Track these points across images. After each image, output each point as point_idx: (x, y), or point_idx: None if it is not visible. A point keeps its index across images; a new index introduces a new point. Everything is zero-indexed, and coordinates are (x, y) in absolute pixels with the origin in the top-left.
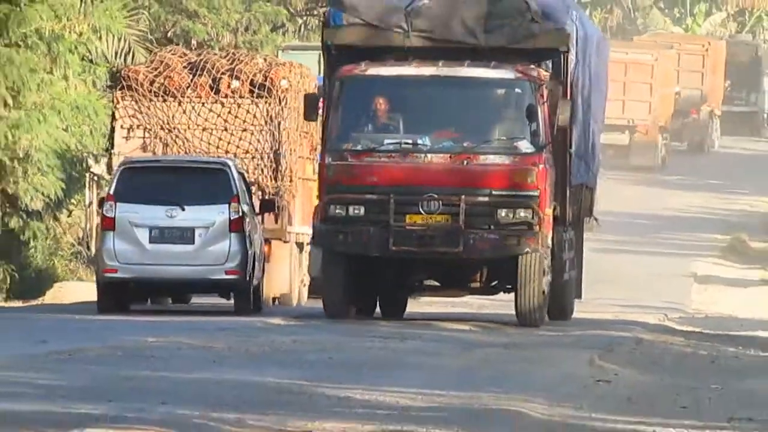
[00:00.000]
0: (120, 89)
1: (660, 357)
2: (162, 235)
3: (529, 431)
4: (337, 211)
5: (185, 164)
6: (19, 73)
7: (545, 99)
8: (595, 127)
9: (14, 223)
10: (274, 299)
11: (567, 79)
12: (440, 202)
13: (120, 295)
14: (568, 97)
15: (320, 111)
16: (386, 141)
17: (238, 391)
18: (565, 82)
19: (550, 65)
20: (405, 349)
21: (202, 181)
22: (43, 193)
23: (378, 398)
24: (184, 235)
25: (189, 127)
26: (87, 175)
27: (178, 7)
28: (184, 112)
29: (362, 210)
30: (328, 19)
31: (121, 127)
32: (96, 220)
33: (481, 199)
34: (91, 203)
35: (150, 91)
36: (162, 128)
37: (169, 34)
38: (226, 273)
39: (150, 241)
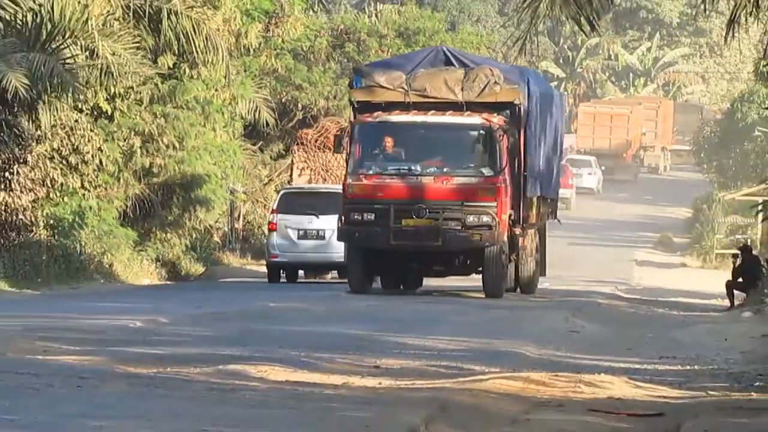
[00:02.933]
0: (297, 144)
1: (613, 315)
2: (305, 234)
3: (527, 365)
4: (355, 216)
5: (319, 190)
6: (183, 127)
7: (503, 137)
8: (552, 156)
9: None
10: None
11: (520, 123)
12: (427, 210)
13: (284, 271)
14: (522, 136)
15: (344, 147)
16: (389, 167)
17: (330, 339)
18: (519, 125)
19: (509, 114)
20: (441, 310)
21: (330, 200)
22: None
23: (425, 343)
24: (319, 234)
25: (339, 170)
26: (228, 194)
27: (288, 82)
28: (336, 159)
29: (373, 216)
30: (351, 82)
31: (296, 168)
32: (235, 224)
33: (455, 208)
34: (231, 213)
35: (314, 146)
36: (322, 170)
37: (282, 100)
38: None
39: (297, 238)
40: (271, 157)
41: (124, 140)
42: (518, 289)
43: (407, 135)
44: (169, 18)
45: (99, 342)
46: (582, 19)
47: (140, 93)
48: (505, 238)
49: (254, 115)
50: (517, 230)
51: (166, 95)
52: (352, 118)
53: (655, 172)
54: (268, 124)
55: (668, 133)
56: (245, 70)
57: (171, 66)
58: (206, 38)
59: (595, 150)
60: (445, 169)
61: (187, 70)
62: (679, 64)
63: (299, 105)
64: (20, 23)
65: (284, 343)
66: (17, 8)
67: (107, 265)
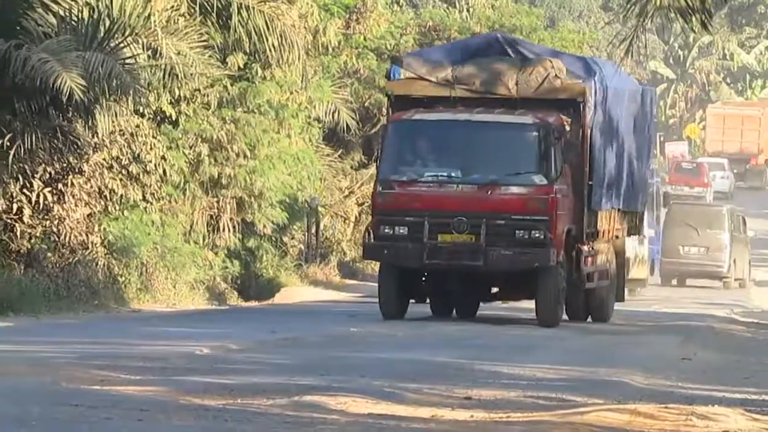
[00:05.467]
0: None
1: (728, 341)
2: None
3: (633, 397)
4: (385, 230)
5: None
6: (255, 133)
7: (560, 140)
8: (633, 163)
9: (251, 243)
10: None
11: (585, 124)
12: (467, 224)
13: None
14: (588, 140)
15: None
16: (426, 173)
17: (416, 367)
18: (583, 126)
19: (572, 112)
20: (536, 335)
21: None
22: (272, 221)
23: (520, 372)
24: None
25: None
26: (305, 207)
27: (372, 84)
28: None
29: (405, 230)
30: (389, 74)
31: None
32: (312, 240)
33: (501, 222)
34: (309, 228)
35: None
36: None
37: (365, 104)
38: None
39: None
40: (352, 167)
41: (190, 148)
42: (589, 317)
43: (447, 136)
44: (239, 13)
45: (162, 371)
46: (693, 17)
47: (207, 96)
48: (562, 258)
49: (333, 119)
50: (584, 247)
51: (236, 98)
52: (388, 114)
53: None
54: (349, 129)
55: None
56: (323, 71)
57: (241, 66)
58: (280, 36)
59: (725, 154)
60: (490, 177)
61: (260, 71)
62: None
63: (383, 110)
64: (76, 19)
65: (366, 372)
66: (72, 3)
67: (171, 286)
